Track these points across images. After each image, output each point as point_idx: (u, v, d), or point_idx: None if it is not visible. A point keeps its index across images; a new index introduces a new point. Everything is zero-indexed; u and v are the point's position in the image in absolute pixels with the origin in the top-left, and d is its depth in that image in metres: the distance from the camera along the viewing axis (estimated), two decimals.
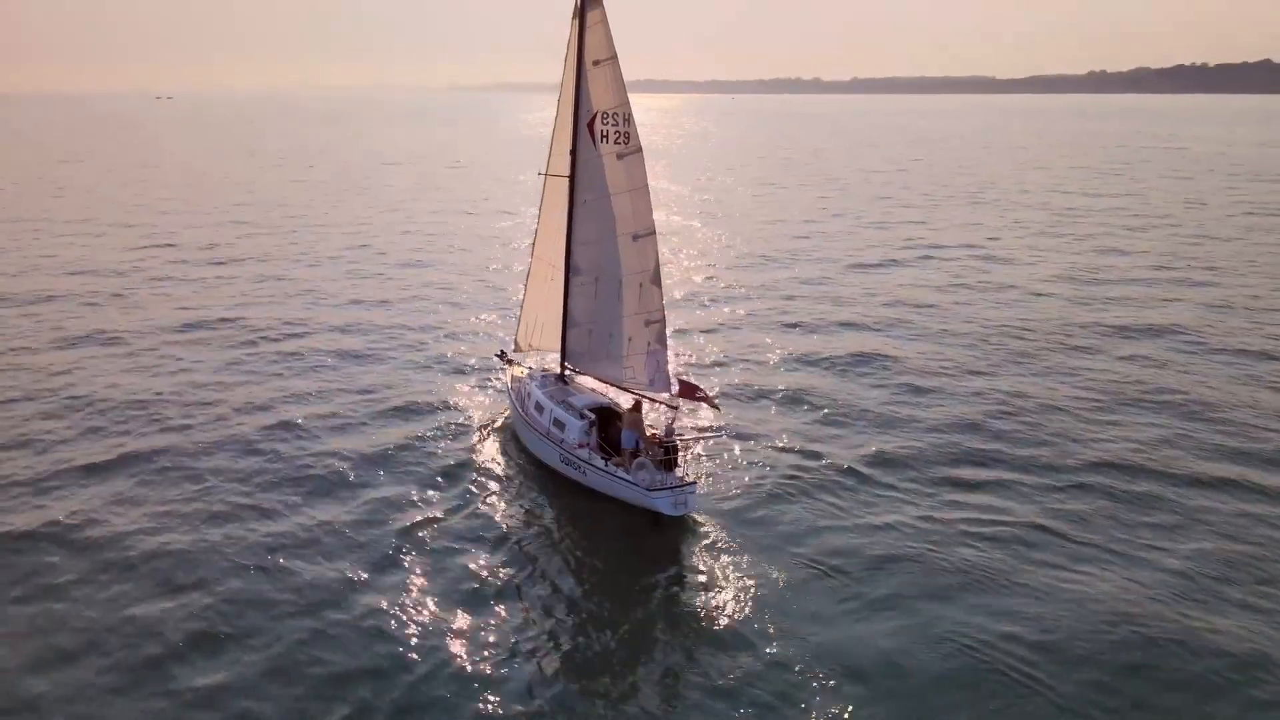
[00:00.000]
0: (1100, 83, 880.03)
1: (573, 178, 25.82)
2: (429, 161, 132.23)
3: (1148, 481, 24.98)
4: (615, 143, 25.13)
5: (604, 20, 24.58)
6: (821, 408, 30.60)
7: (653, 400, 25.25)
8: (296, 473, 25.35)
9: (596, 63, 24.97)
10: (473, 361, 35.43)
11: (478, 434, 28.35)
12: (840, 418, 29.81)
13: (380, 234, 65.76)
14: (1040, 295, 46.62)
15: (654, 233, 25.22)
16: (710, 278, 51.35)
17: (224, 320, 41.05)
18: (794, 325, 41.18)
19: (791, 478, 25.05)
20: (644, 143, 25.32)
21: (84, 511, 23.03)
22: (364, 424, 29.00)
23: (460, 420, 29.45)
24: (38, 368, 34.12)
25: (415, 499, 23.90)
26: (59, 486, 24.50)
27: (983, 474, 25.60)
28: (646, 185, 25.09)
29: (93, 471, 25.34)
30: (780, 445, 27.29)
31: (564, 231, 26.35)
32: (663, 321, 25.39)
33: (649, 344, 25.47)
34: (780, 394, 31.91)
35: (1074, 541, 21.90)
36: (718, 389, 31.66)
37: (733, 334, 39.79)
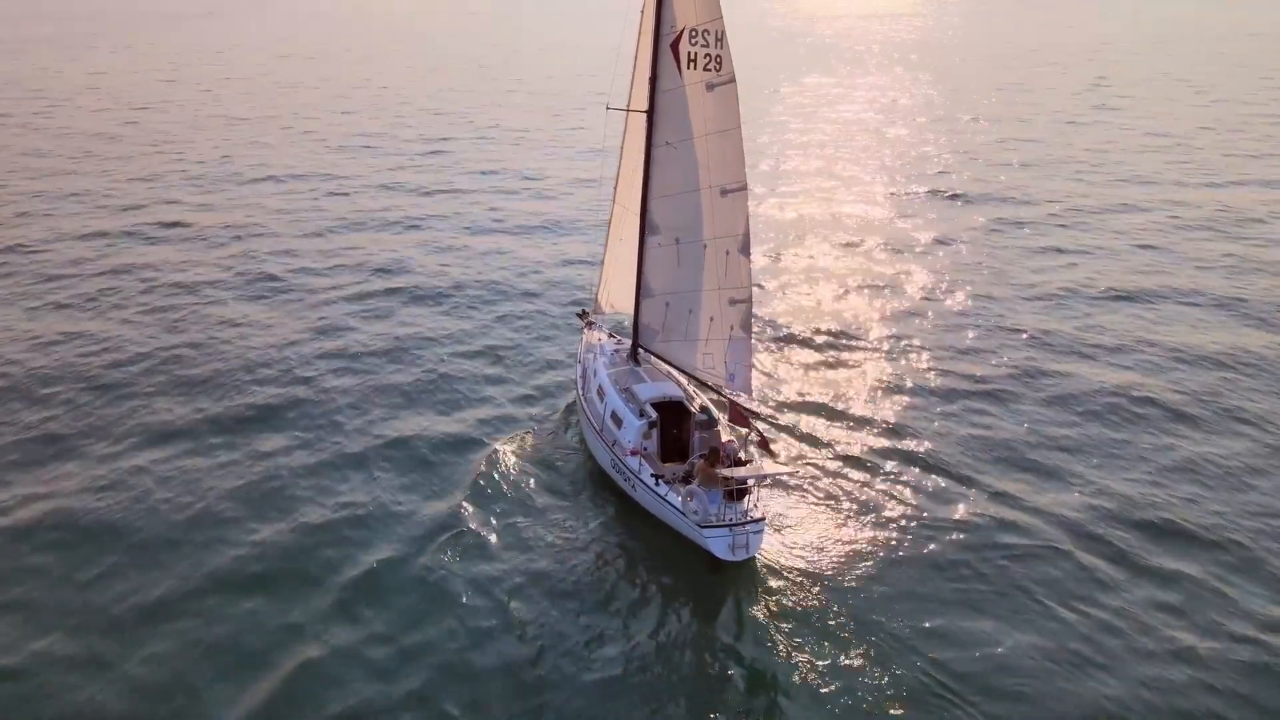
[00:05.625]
0: None
1: (651, 113, 20.64)
2: None
3: None
4: (704, 69, 19.68)
5: None
6: (975, 446, 22.84)
7: (728, 400, 20.32)
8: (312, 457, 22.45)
9: None
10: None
11: (540, 414, 24.47)
12: (1011, 462, 22.04)
13: None
14: None
15: (745, 188, 19.82)
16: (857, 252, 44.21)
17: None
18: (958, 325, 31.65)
19: (904, 531, 19.38)
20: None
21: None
22: (423, 388, 25.82)
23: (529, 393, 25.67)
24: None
25: (442, 499, 20.39)
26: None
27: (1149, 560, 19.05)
28: (739, 126, 19.62)
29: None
30: (901, 484, 21.04)
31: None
32: (749, 303, 20.19)
33: (731, 328, 20.38)
34: (930, 421, 24.56)
35: None
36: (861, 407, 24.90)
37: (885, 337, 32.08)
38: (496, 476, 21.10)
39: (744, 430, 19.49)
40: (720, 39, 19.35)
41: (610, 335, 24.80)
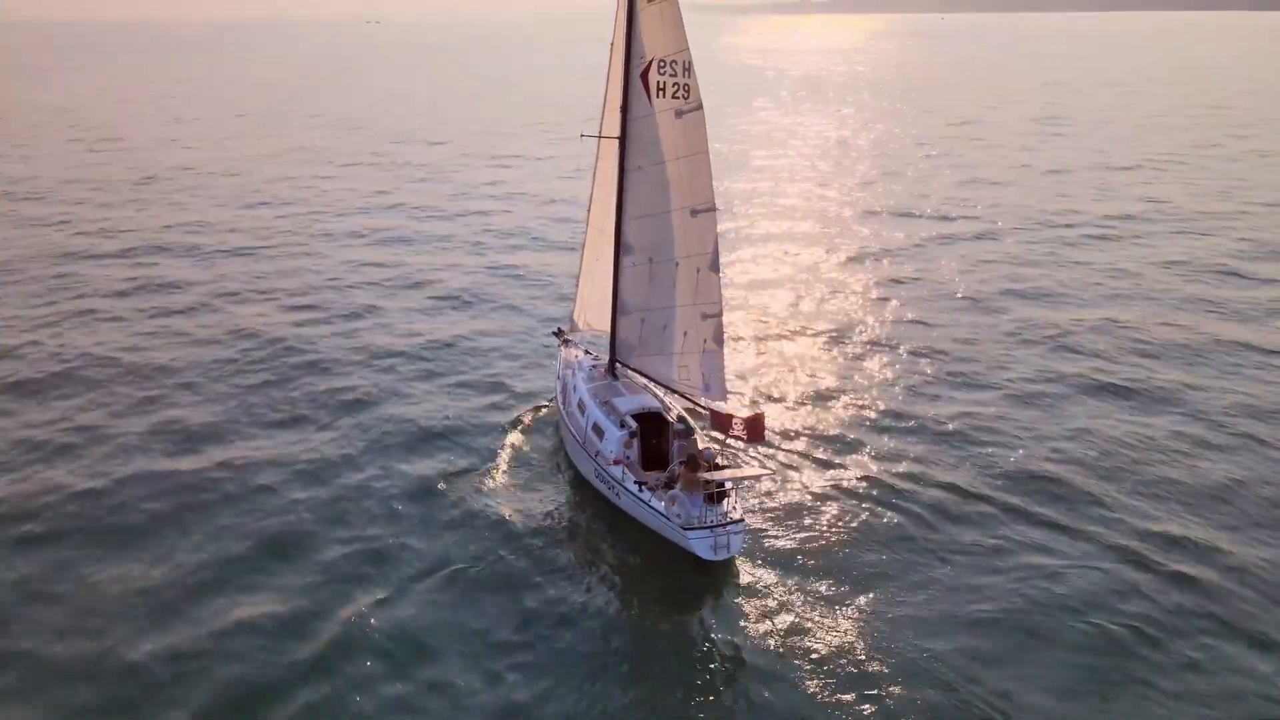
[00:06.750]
0: None
1: (623, 139, 21.74)
2: None
3: None
4: (673, 97, 20.85)
5: None
6: (942, 436, 24.45)
7: (705, 409, 21.36)
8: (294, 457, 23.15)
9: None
10: None
11: (521, 426, 25.31)
12: (966, 446, 23.77)
13: None
14: None
15: (714, 209, 20.96)
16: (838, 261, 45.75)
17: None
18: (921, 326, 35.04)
19: (880, 526, 20.39)
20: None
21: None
22: (401, 403, 26.55)
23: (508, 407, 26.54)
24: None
25: (426, 511, 21.07)
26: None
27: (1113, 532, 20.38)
28: (707, 150, 20.80)
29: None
30: (872, 478, 22.19)
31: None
32: (720, 317, 21.30)
33: (704, 341, 21.46)
34: (903, 417, 25.75)
35: None
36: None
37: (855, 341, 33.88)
38: (480, 488, 21.86)
39: (724, 435, 20.49)
40: (688, 69, 20.54)
41: (587, 351, 25.72)
